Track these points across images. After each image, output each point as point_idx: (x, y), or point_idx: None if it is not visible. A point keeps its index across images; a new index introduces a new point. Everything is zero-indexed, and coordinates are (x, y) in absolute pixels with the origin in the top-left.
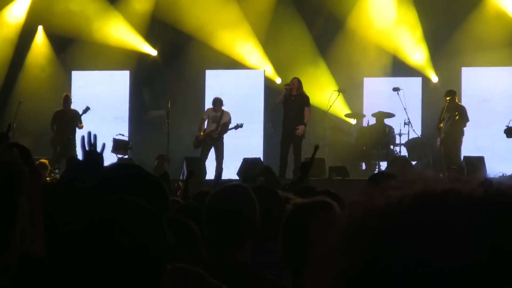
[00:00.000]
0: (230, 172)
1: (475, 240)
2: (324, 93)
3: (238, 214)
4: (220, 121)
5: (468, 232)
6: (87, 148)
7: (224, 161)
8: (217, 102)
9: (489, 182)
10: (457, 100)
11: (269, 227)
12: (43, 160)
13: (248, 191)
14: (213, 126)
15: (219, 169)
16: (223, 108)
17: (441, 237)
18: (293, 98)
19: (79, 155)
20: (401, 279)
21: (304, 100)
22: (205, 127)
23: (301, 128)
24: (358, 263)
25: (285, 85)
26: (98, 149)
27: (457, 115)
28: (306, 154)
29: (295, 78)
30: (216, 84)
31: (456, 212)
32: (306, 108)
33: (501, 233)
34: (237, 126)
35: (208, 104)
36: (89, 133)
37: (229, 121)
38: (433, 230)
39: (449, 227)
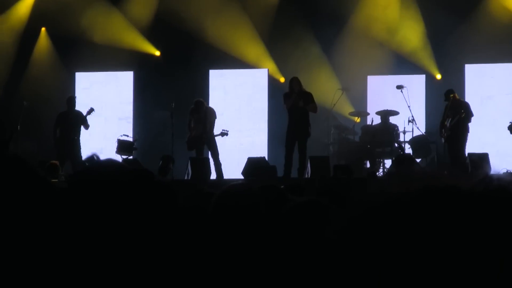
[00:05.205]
0: (235, 172)
1: (474, 234)
2: (328, 91)
3: (244, 213)
4: (205, 121)
5: (466, 227)
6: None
7: (228, 160)
8: (198, 104)
9: (489, 179)
10: (457, 97)
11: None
12: (55, 162)
13: (254, 190)
14: (200, 127)
15: (217, 166)
16: (209, 105)
17: (439, 232)
18: (295, 97)
19: (84, 156)
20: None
21: (307, 97)
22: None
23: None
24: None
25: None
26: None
27: (463, 112)
28: (310, 152)
29: (293, 77)
30: (220, 83)
31: (456, 208)
32: (311, 105)
33: (499, 227)
34: (223, 134)
35: (212, 104)
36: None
37: (214, 117)
38: (432, 226)
39: (448, 222)
